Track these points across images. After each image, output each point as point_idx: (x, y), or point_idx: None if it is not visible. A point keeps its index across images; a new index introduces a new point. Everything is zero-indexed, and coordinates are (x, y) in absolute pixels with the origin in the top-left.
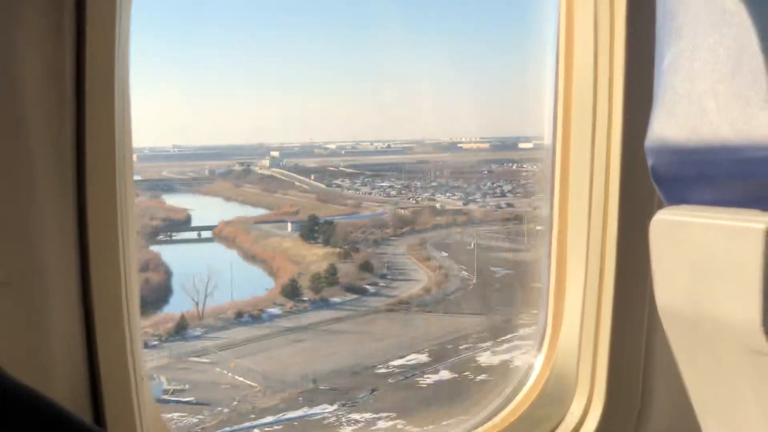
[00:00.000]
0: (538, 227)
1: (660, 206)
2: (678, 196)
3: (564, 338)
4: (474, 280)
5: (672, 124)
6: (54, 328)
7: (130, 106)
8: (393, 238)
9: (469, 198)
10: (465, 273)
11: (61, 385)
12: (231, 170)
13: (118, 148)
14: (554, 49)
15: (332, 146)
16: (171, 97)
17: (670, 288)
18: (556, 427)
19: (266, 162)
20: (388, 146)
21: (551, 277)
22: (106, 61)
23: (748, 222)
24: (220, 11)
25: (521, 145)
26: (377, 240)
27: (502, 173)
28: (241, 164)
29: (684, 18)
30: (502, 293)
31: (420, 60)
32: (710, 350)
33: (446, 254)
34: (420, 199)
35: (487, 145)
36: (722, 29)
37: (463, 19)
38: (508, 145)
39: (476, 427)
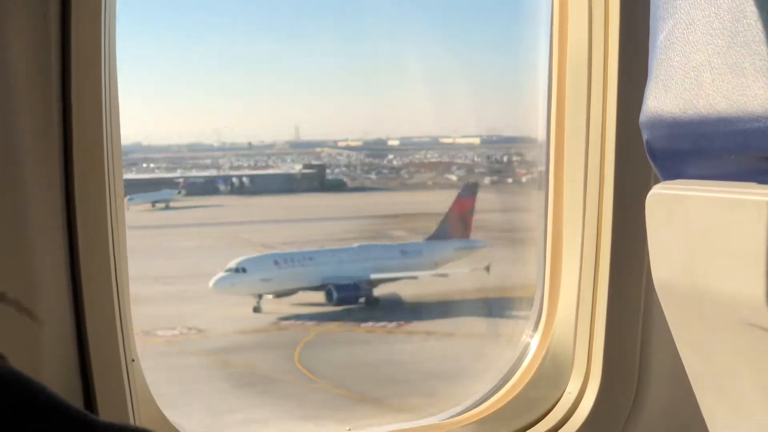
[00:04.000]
0: None
1: (656, 182)
2: (674, 171)
3: (560, 317)
4: None
5: (667, 98)
6: (42, 311)
7: (118, 101)
8: None
9: None
10: None
11: (50, 369)
12: None
13: (107, 144)
14: (548, 27)
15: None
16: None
17: (667, 264)
18: (552, 407)
19: None
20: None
21: (547, 256)
22: (92, 54)
23: (749, 195)
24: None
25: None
26: None
27: None
28: None
29: None
30: None
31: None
32: (708, 326)
33: None
34: None
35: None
36: (717, 1)
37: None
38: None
39: (471, 408)
